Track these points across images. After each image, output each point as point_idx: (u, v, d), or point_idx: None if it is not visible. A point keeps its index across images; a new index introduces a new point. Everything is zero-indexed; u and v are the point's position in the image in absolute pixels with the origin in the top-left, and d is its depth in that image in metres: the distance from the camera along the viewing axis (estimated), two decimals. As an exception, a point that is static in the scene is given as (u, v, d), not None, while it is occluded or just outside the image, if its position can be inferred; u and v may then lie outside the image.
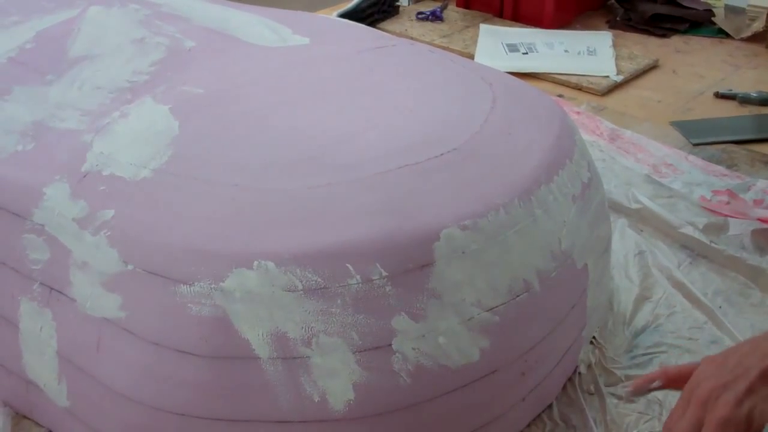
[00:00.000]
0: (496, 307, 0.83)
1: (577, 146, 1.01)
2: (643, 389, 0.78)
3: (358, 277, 0.78)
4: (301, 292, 0.77)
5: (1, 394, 0.93)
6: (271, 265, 0.78)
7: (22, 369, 0.90)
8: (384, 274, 0.79)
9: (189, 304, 0.78)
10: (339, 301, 0.78)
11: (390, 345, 0.78)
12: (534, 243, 0.87)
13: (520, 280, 0.85)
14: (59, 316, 0.86)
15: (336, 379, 0.78)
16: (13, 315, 0.89)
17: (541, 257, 0.88)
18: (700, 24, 2.01)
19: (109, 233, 0.83)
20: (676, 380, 0.75)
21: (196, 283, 0.78)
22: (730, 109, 1.63)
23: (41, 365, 0.88)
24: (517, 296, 0.85)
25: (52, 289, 0.86)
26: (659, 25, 1.99)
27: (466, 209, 0.84)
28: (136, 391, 0.80)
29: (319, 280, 0.78)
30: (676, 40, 1.95)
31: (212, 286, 0.78)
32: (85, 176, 0.88)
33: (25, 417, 0.93)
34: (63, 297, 0.85)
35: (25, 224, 0.88)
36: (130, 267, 0.81)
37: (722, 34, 1.97)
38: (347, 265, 0.78)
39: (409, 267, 0.79)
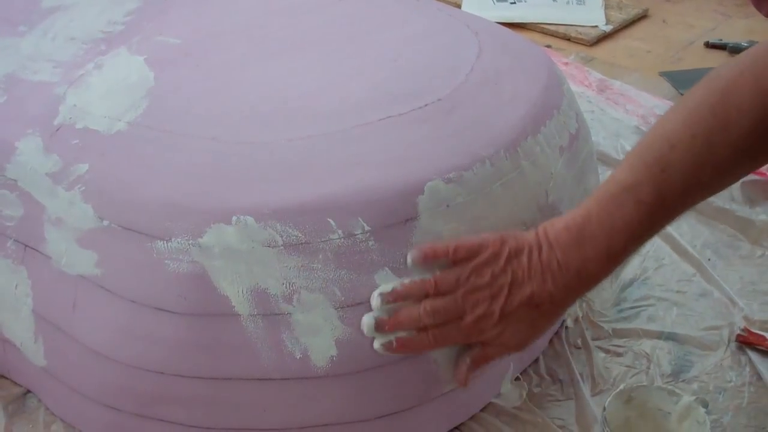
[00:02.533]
0: (482, 261, 0.81)
1: (565, 96, 0.98)
2: (428, 261, 0.76)
3: (339, 231, 0.76)
4: (282, 247, 0.75)
5: (-22, 353, 0.92)
6: (250, 219, 0.76)
7: (-2, 328, 0.88)
8: (366, 228, 0.77)
9: (166, 261, 0.76)
10: (321, 257, 0.76)
11: (373, 301, 0.77)
12: (520, 196, 0.86)
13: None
14: (34, 274, 0.84)
15: (318, 336, 0.76)
16: (-13, 273, 0.87)
17: (527, 210, 0.86)
18: (691, -28, 1.97)
19: (83, 188, 0.81)
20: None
21: (173, 239, 0.76)
22: (720, 59, 1.60)
23: (17, 324, 0.86)
24: (503, 250, 0.83)
25: (26, 246, 0.84)
26: (649, -26, 1.95)
27: (450, 162, 0.81)
28: (114, 349, 0.79)
29: (299, 235, 0.76)
30: (666, -11, 1.92)
31: (190, 242, 0.76)
32: (58, 130, 0.85)
33: (2, 377, 0.91)
34: (38, 254, 0.83)
35: (-2, 179, 0.86)
36: (105, 223, 0.79)
37: (713, -18, 1.94)
38: (328, 219, 0.76)
39: (392, 221, 0.77)
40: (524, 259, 0.74)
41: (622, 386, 0.81)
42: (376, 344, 0.75)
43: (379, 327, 0.74)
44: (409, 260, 0.76)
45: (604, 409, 0.77)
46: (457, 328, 0.75)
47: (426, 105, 0.86)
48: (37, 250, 0.83)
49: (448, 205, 0.80)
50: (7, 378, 0.91)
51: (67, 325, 0.81)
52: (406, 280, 0.75)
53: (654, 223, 0.75)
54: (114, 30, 1.01)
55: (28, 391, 0.90)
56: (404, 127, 0.83)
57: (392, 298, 0.75)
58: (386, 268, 0.77)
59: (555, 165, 0.91)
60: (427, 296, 0.74)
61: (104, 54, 0.97)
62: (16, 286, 0.85)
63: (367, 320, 0.74)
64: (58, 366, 0.84)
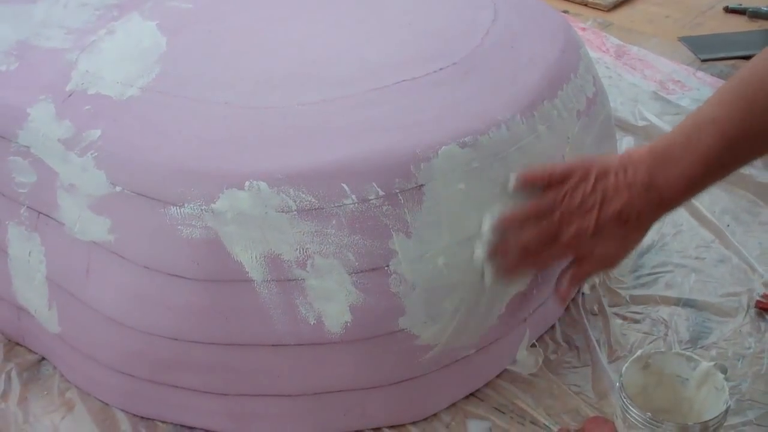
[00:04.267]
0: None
1: (582, 60, 0.97)
2: (527, 185, 0.81)
3: (353, 196, 0.75)
4: (295, 212, 0.75)
5: (-7, 320, 0.92)
6: (263, 185, 0.75)
7: (13, 295, 0.88)
8: (380, 193, 0.76)
9: (179, 227, 0.76)
10: (334, 222, 0.75)
11: (387, 266, 0.76)
12: (537, 160, 0.84)
13: (522, 198, 0.82)
14: (48, 241, 0.83)
15: (332, 302, 0.76)
16: (1, 240, 0.87)
17: (543, 175, 0.85)
18: (711, -64, 1.94)
19: (95, 154, 0.80)
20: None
21: (186, 205, 0.76)
22: (739, 24, 1.58)
23: (31, 291, 0.86)
24: (519, 215, 0.82)
25: (39, 213, 0.84)
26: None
27: (466, 126, 0.80)
28: (127, 315, 0.78)
29: (313, 200, 0.75)
30: (686, -47, 1.89)
31: (203, 207, 0.75)
32: (70, 95, 0.85)
33: (17, 344, 0.91)
34: (51, 221, 0.83)
35: (11, 146, 0.85)
36: (118, 189, 0.78)
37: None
38: (342, 184, 0.75)
39: (406, 186, 0.77)
40: (611, 178, 0.78)
41: (639, 352, 0.80)
42: (487, 274, 0.79)
43: (492, 253, 0.79)
44: (510, 185, 0.80)
45: (621, 375, 0.77)
46: (556, 247, 0.80)
47: (441, 69, 0.85)
48: (50, 217, 0.83)
49: (463, 170, 0.79)
50: (22, 345, 0.91)
51: (81, 292, 0.81)
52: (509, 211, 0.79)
53: (732, 158, 0.77)
54: (126, -5, 1.01)
55: (43, 359, 0.90)
56: (419, 90, 0.82)
57: (501, 225, 0.79)
58: (401, 234, 0.76)
59: (572, 129, 0.90)
60: (528, 220, 0.79)
61: (116, 20, 0.96)
62: (30, 253, 0.85)
63: (479, 251, 0.79)
64: (72, 333, 0.84)
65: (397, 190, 0.76)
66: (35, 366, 0.89)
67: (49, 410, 0.85)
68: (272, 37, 0.90)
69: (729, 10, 1.63)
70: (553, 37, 0.95)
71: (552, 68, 0.90)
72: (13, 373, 0.88)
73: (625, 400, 0.74)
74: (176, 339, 0.77)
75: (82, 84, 0.85)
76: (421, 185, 0.77)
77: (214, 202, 0.75)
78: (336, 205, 0.75)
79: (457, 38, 0.90)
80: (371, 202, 0.76)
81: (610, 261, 0.83)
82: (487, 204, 0.80)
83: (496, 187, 0.81)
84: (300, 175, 0.75)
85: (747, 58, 1.45)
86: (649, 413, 0.73)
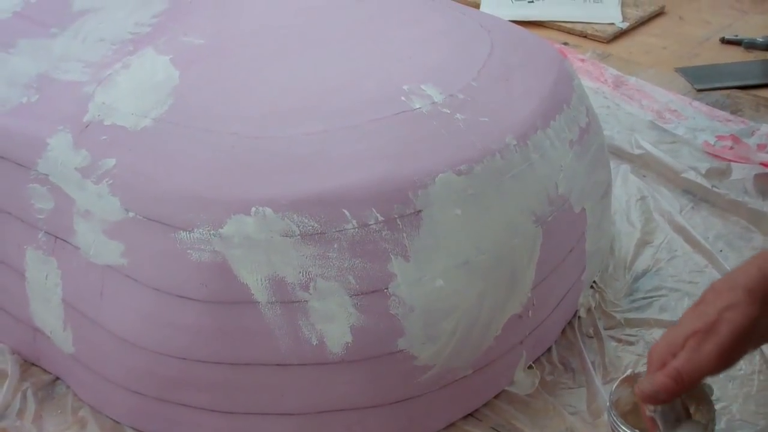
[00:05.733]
0: (493, 250, 0.84)
1: (575, 92, 1.01)
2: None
3: (354, 221, 0.79)
4: (299, 237, 0.79)
5: (10, 342, 0.95)
6: (268, 210, 0.79)
7: (30, 317, 0.92)
8: (380, 218, 0.80)
9: (189, 250, 0.80)
10: (336, 246, 0.79)
11: (387, 289, 0.80)
12: (530, 187, 0.88)
13: (516, 224, 0.86)
14: (64, 264, 0.87)
15: (334, 323, 0.79)
16: (19, 264, 0.91)
17: (537, 201, 0.89)
18: (709, -31, 1.99)
19: (110, 182, 0.84)
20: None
21: (195, 230, 0.80)
22: (735, 55, 1.62)
23: (47, 312, 0.90)
24: (515, 239, 0.86)
25: (56, 237, 0.88)
26: (667, -28, 1.96)
27: (461, 154, 0.84)
28: (138, 336, 0.82)
29: (315, 225, 0.79)
30: (683, -14, 1.94)
31: (211, 232, 0.79)
32: (87, 126, 0.89)
33: (33, 364, 0.95)
34: (67, 245, 0.87)
35: (30, 174, 0.90)
36: (131, 214, 0.82)
37: (731, -21, 1.95)
38: (343, 210, 0.79)
39: (404, 212, 0.81)
40: None
41: (629, 371, 0.83)
42: None
43: None
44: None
45: (611, 393, 0.80)
46: None
47: (438, 100, 0.89)
48: (67, 242, 0.87)
49: (459, 197, 0.83)
50: (37, 366, 0.95)
51: (95, 313, 0.85)
52: None
53: None
54: (141, 31, 1.05)
55: (57, 378, 0.94)
56: (417, 121, 0.86)
57: None
58: (399, 257, 0.80)
59: (565, 158, 0.93)
60: None
61: (132, 54, 1.00)
62: (47, 276, 0.89)
63: None
64: (86, 353, 0.88)
65: (396, 216, 0.80)
66: (50, 385, 0.93)
67: (62, 428, 0.88)
68: (278, 71, 0.95)
69: (725, 42, 1.66)
70: (546, 70, 0.99)
71: (545, 100, 0.94)
72: (29, 393, 0.92)
73: (614, 417, 0.78)
74: (184, 358, 0.81)
75: (99, 115, 0.90)
76: (419, 211, 0.81)
77: (222, 227, 0.79)
78: (337, 229, 0.79)
79: (455, 72, 0.94)
80: (371, 227, 0.79)
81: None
82: (483, 229, 0.83)
83: (490, 213, 0.84)
84: (303, 201, 0.79)
85: (743, 88, 1.50)
86: (637, 430, 0.76)
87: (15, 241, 0.91)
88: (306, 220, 0.79)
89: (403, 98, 0.88)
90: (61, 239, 0.87)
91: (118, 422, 0.88)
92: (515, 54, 1.00)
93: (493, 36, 1.02)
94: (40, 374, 0.94)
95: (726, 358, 0.72)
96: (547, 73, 0.98)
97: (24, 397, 0.91)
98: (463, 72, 0.94)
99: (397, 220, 0.80)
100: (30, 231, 0.90)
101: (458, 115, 0.88)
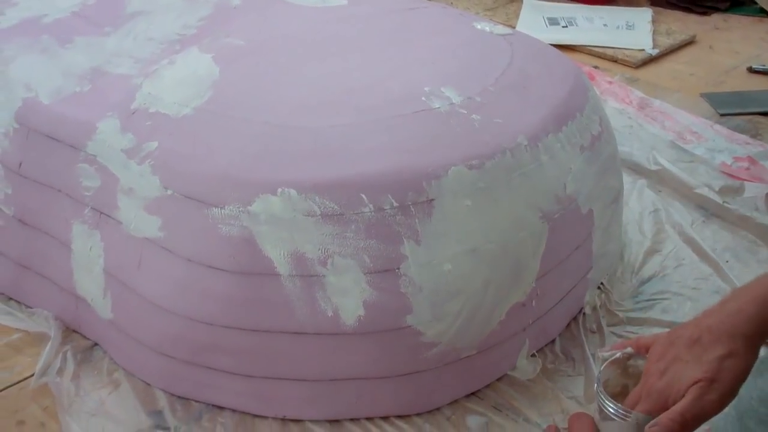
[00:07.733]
0: (500, 240, 0.91)
1: (590, 102, 1.07)
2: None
3: (371, 206, 0.86)
4: (319, 217, 0.86)
5: (54, 309, 1.04)
6: (293, 192, 0.86)
7: (73, 286, 1.00)
8: (395, 204, 0.87)
9: (219, 225, 0.87)
10: (353, 227, 0.86)
11: (398, 269, 0.87)
12: (539, 185, 0.95)
13: (523, 218, 0.93)
14: (106, 237, 0.96)
15: (348, 297, 0.86)
16: (66, 237, 1.00)
17: (545, 199, 0.95)
18: (742, 3, 2.04)
19: (152, 162, 0.92)
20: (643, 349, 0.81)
21: (226, 207, 0.87)
22: (762, 84, 1.67)
23: (89, 281, 0.98)
24: (521, 232, 0.92)
25: (101, 213, 0.96)
26: (700, 3, 2.02)
27: (474, 150, 0.91)
28: (172, 302, 0.90)
29: (335, 207, 0.86)
30: (716, 18, 1.99)
31: (240, 209, 0.87)
32: (134, 113, 0.98)
33: (74, 331, 1.03)
34: (111, 220, 0.95)
35: (80, 155, 0.98)
36: (169, 192, 0.90)
37: (763, 12, 2.00)
38: (361, 194, 0.86)
39: (418, 199, 0.88)
40: None
41: (618, 354, 0.87)
42: None
43: None
44: None
45: (599, 372, 0.84)
46: None
47: (456, 102, 0.96)
48: (111, 216, 0.95)
49: (470, 189, 0.89)
50: (78, 332, 1.03)
51: (132, 282, 0.93)
52: None
53: None
54: (187, 33, 1.14)
55: (96, 344, 1.02)
56: (435, 119, 0.93)
57: None
58: (411, 241, 0.87)
59: (574, 161, 1.00)
60: None
61: (178, 52, 1.09)
62: (91, 248, 0.97)
63: None
64: (123, 318, 0.95)
65: (410, 203, 0.87)
66: (88, 350, 1.01)
67: (97, 386, 0.96)
68: (311, 70, 1.02)
69: (752, 71, 1.71)
70: (563, 80, 1.06)
71: (559, 107, 1.01)
72: (69, 354, 1.00)
73: (600, 394, 0.83)
74: (212, 324, 0.89)
75: (144, 103, 0.98)
76: (432, 200, 0.88)
77: (251, 205, 0.87)
78: (355, 212, 0.86)
79: (474, 77, 1.01)
80: (386, 211, 0.87)
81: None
82: (491, 220, 0.90)
83: (499, 206, 0.91)
84: (325, 184, 0.87)
85: (765, 114, 1.54)
86: (620, 405, 0.81)
87: (63, 216, 1.00)
88: (327, 202, 0.86)
89: (423, 98, 0.96)
90: (105, 214, 0.96)
91: (149, 384, 0.96)
92: (534, 65, 1.07)
93: (515, 48, 1.09)
94: (80, 340, 1.02)
95: (727, 403, 0.77)
96: (563, 83, 1.05)
97: (64, 358, 0.99)
98: (482, 78, 1.01)
99: (411, 207, 0.87)
100: (77, 207, 0.98)
101: (474, 116, 0.95)
